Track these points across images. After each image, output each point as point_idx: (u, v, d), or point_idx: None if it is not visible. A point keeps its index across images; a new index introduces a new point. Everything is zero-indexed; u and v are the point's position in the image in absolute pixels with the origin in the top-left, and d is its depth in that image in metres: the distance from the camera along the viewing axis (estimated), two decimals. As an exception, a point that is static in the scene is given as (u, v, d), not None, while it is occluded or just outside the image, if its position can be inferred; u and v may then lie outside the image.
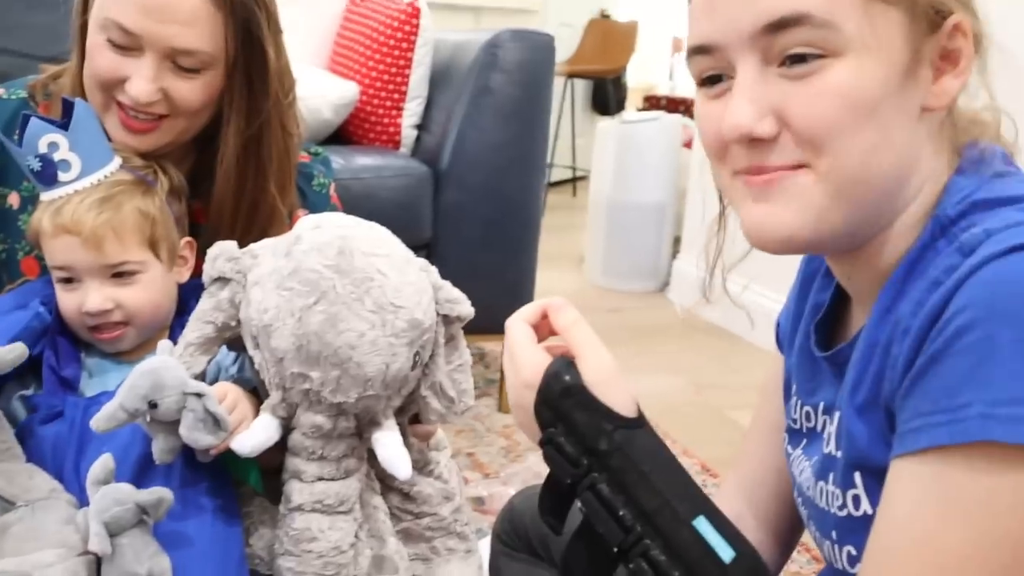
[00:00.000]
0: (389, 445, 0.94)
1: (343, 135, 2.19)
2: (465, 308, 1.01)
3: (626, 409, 0.69)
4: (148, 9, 0.99)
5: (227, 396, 0.95)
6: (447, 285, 1.00)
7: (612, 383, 0.70)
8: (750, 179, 0.67)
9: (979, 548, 0.55)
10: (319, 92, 2.00)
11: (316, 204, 1.23)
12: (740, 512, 0.93)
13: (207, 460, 0.93)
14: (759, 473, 0.92)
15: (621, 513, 0.66)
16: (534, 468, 1.76)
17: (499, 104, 2.00)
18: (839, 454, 0.72)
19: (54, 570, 0.79)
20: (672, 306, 3.22)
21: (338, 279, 0.89)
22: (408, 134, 2.14)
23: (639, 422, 0.69)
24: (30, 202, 1.11)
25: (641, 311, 3.23)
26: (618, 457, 0.67)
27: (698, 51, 0.67)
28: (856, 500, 0.70)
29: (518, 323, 0.76)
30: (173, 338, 1.05)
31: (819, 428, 0.78)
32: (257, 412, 0.95)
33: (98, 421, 0.87)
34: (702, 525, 0.65)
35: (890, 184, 0.65)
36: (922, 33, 0.63)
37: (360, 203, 1.69)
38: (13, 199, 1.12)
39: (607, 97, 5.94)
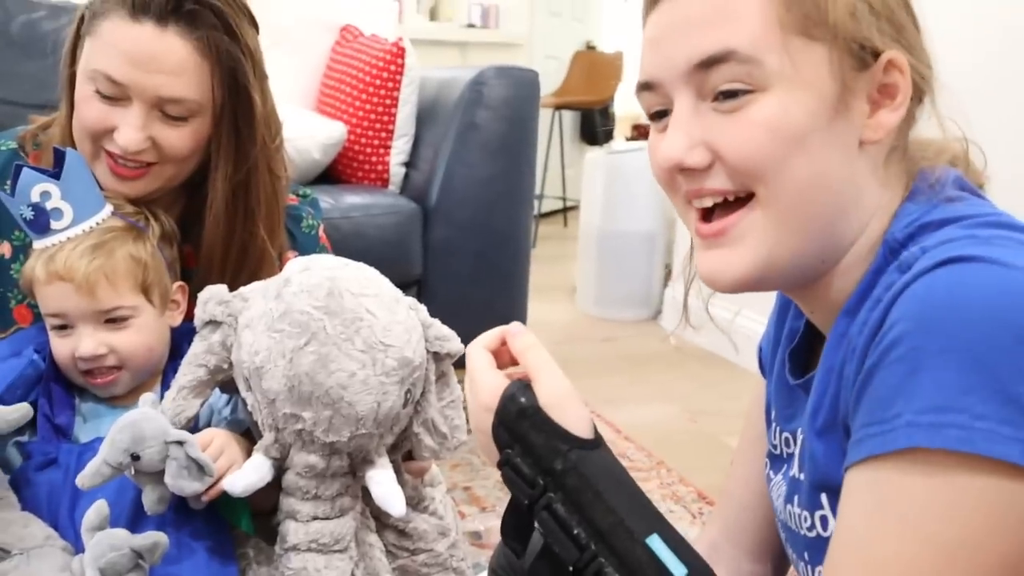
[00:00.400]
0: (383, 483, 0.94)
1: (332, 174, 2.21)
2: (455, 345, 1.02)
3: (581, 430, 0.70)
4: (135, 60, 1.01)
5: (213, 441, 0.95)
6: (436, 323, 1.02)
7: (567, 405, 0.71)
8: (700, 227, 0.70)
9: (919, 553, 0.56)
10: (307, 133, 2.03)
11: (305, 246, 1.25)
12: (716, 540, 0.94)
13: (199, 506, 0.94)
14: (745, 498, 0.93)
15: (576, 532, 0.67)
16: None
17: (485, 140, 2.03)
18: (803, 476, 0.74)
19: (51, 618, 0.80)
20: (665, 334, 3.24)
21: (328, 320, 0.90)
22: (396, 172, 2.16)
23: (595, 443, 0.70)
24: (22, 251, 1.13)
25: (634, 339, 3.23)
26: (573, 476, 0.67)
27: (644, 87, 0.71)
28: (824, 521, 0.71)
29: (477, 349, 0.78)
30: (166, 382, 1.07)
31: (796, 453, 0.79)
32: (250, 454, 0.96)
33: (83, 478, 0.87)
34: (655, 543, 0.66)
35: (831, 215, 0.68)
36: (851, 68, 0.66)
37: (350, 241, 1.71)
38: (5, 248, 1.13)
39: (595, 128, 5.98)
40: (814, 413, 0.70)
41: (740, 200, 0.69)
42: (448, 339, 1.01)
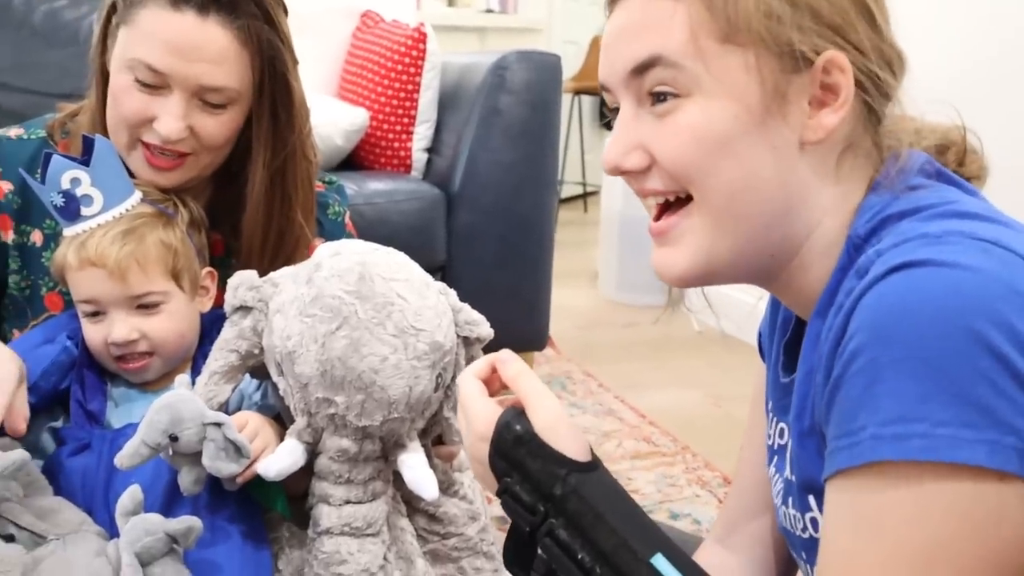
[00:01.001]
0: (415, 467, 0.95)
1: (354, 161, 2.21)
2: (484, 329, 1.02)
3: (578, 453, 0.70)
4: (177, 49, 1.01)
5: (247, 424, 0.96)
6: (466, 307, 1.02)
7: (561, 429, 0.71)
8: (651, 225, 0.72)
9: (893, 564, 0.56)
10: (330, 119, 2.02)
11: (332, 233, 1.25)
12: (721, 539, 0.93)
13: (233, 488, 0.94)
14: (748, 492, 0.92)
15: (580, 556, 0.67)
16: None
17: (508, 125, 2.02)
18: (793, 478, 0.74)
19: (89, 602, 0.80)
20: (688, 319, 3.22)
21: (359, 304, 0.90)
22: (419, 157, 2.16)
23: (592, 465, 0.70)
24: (53, 239, 1.13)
25: (657, 325, 3.22)
26: (573, 500, 0.68)
27: (603, 89, 0.74)
28: (814, 522, 0.71)
29: (469, 378, 0.78)
30: (196, 368, 1.07)
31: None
32: (281, 438, 0.96)
33: (122, 458, 0.88)
34: (659, 562, 0.66)
35: (768, 215, 0.68)
36: (784, 71, 0.65)
37: (374, 227, 1.71)
38: (36, 237, 1.14)
39: (614, 112, 5.96)
40: (798, 415, 0.70)
41: (683, 200, 0.70)
42: (478, 323, 1.02)
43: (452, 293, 1.02)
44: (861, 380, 0.57)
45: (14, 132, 1.17)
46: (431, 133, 2.17)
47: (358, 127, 2.11)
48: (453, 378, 1.00)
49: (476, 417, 0.74)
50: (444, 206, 2.01)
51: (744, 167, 0.66)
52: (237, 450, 0.89)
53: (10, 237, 1.12)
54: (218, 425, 0.88)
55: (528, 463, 0.70)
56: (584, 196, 5.60)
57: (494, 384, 0.79)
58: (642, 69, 0.67)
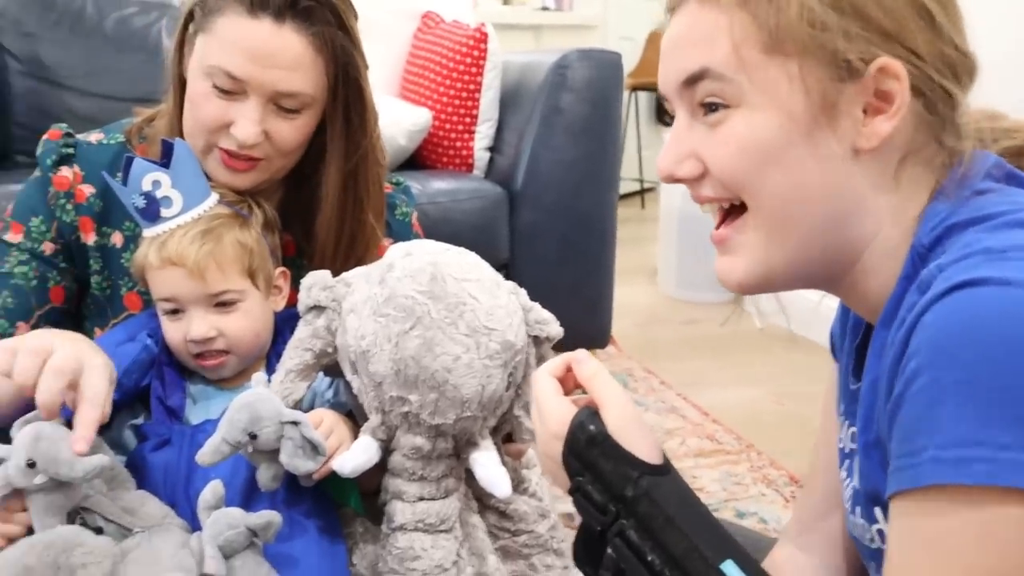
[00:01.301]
0: (487, 464, 0.95)
1: (417, 160, 2.23)
2: (554, 328, 1.02)
3: (651, 456, 0.71)
4: (254, 56, 1.03)
5: (323, 422, 0.98)
6: (536, 306, 1.02)
7: (635, 431, 0.72)
8: (712, 233, 0.73)
9: None
10: (393, 120, 2.04)
11: (399, 233, 1.27)
12: (791, 546, 0.92)
13: (309, 484, 0.96)
14: (820, 492, 0.91)
15: (650, 559, 0.67)
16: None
17: (569, 123, 2.02)
18: (860, 487, 0.73)
19: (178, 593, 0.83)
20: (750, 316, 3.19)
21: (432, 304, 0.91)
22: (481, 156, 2.17)
23: (664, 468, 0.71)
24: (132, 241, 1.16)
25: (717, 322, 3.20)
26: (645, 503, 0.68)
27: (662, 97, 0.75)
28: (881, 534, 0.71)
29: (544, 376, 0.79)
30: (270, 367, 1.09)
31: None
32: (354, 436, 0.98)
33: (203, 456, 0.90)
34: (730, 568, 0.66)
35: (822, 225, 0.68)
36: (832, 80, 0.65)
37: (437, 227, 1.73)
38: (116, 238, 1.17)
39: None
40: (865, 426, 0.69)
41: (739, 207, 0.70)
42: (548, 323, 1.02)
43: (522, 292, 1.03)
44: (922, 400, 0.56)
45: (94, 137, 1.21)
46: (493, 132, 2.18)
47: (421, 127, 2.13)
48: (524, 377, 1.01)
49: (550, 416, 0.75)
50: (507, 204, 2.02)
51: (792, 177, 0.66)
52: (314, 448, 0.91)
53: (92, 239, 1.16)
54: (295, 424, 0.90)
55: (601, 464, 0.70)
56: (641, 192, 5.57)
57: (568, 383, 0.80)
58: (692, 81, 0.68)
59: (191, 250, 1.01)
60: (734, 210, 0.71)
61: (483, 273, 0.98)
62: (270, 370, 1.07)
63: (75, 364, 0.88)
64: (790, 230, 0.68)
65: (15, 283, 1.12)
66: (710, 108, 0.68)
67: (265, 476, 0.92)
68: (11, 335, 1.10)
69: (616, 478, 0.69)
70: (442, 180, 2.04)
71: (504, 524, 1.10)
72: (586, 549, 0.74)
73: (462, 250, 1.00)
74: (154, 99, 1.28)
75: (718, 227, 0.73)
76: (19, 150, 2.43)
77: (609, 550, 0.70)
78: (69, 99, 2.38)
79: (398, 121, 2.07)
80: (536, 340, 1.02)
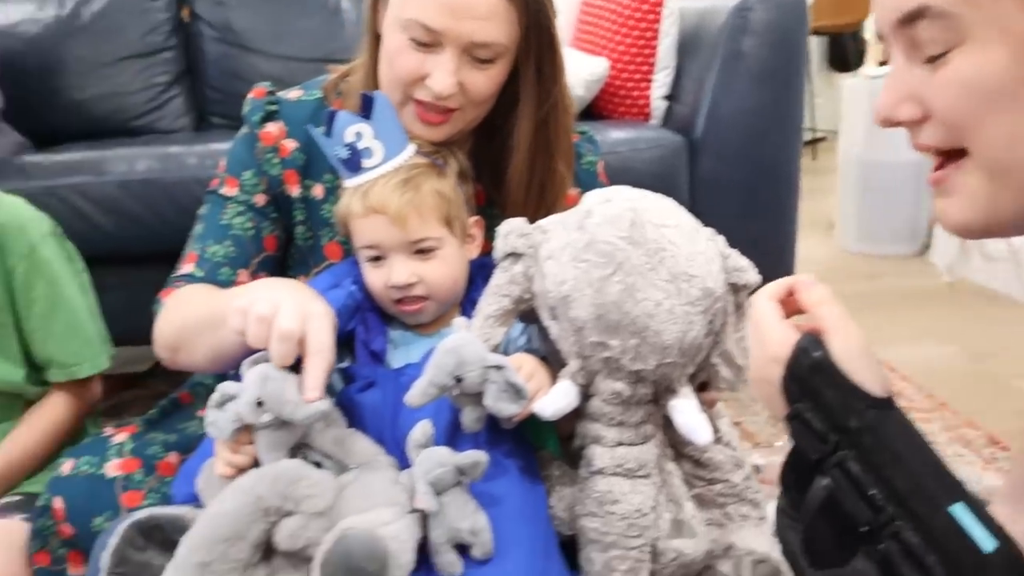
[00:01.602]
0: (687, 411, 0.95)
1: (592, 111, 2.22)
2: (752, 276, 1.00)
3: (877, 388, 0.68)
4: (450, 7, 1.05)
5: (524, 366, 0.99)
6: (734, 254, 1.00)
7: (862, 361, 0.69)
8: (929, 175, 0.69)
9: None
10: (570, 69, 2.02)
11: (586, 183, 1.26)
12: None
13: (510, 427, 0.98)
14: None
15: (871, 493, 0.65)
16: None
17: (752, 68, 1.96)
18: None
19: (394, 527, 0.86)
20: (935, 269, 3.02)
21: (632, 250, 0.91)
22: (658, 105, 2.14)
23: (891, 403, 0.68)
24: (331, 193, 1.21)
25: (901, 276, 3.05)
26: (869, 436, 0.66)
27: (878, 37, 0.71)
28: None
29: (765, 300, 0.77)
30: (463, 313, 1.12)
31: None
32: (551, 381, 0.99)
33: (411, 397, 0.93)
34: (960, 512, 0.63)
35: None
36: None
37: (617, 177, 1.71)
38: (317, 190, 1.22)
39: (846, 52, 5.63)
40: None
41: (958, 152, 0.65)
42: (746, 270, 1.00)
43: (720, 239, 1.01)
44: None
45: (294, 94, 1.26)
46: (670, 80, 2.13)
47: (598, 77, 2.11)
48: (722, 325, 0.99)
49: (771, 339, 0.74)
50: (686, 154, 1.98)
51: (1022, 119, 0.61)
52: (516, 391, 0.92)
53: (296, 191, 1.22)
54: (499, 368, 0.92)
55: (824, 392, 0.69)
56: (813, 143, 5.34)
57: (789, 307, 0.78)
58: (908, 20, 0.64)
59: (393, 198, 1.04)
60: (954, 152, 0.67)
61: (682, 219, 0.96)
62: (464, 316, 1.09)
63: (301, 323, 0.92)
64: (1016, 177, 0.63)
65: (234, 233, 1.19)
66: (929, 47, 0.64)
67: (469, 418, 0.95)
68: (234, 282, 1.18)
69: (839, 408, 0.68)
70: (620, 130, 2.02)
71: (699, 472, 1.09)
72: (796, 475, 0.73)
73: (660, 196, 0.99)
74: (333, 59, 1.33)
75: (936, 169, 0.69)
76: (213, 112, 2.58)
77: (824, 480, 0.69)
78: (256, 62, 2.50)
79: (576, 71, 2.06)
80: (734, 287, 1.00)
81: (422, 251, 1.07)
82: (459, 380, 0.92)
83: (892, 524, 0.64)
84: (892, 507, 0.65)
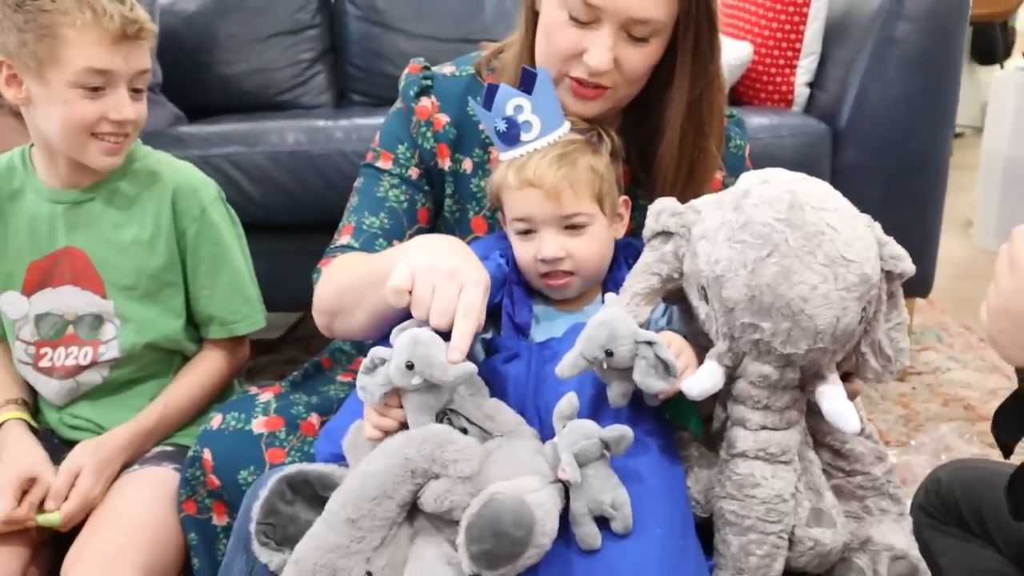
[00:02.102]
0: (835, 399, 0.94)
1: (732, 96, 2.18)
2: (908, 265, 0.98)
3: None
4: None
5: (672, 343, 1.00)
6: (891, 241, 0.98)
7: None
8: None
9: None
10: (714, 54, 2.01)
11: (733, 167, 1.26)
12: None
13: (654, 404, 0.99)
14: None
15: None
16: (945, 439, 1.67)
17: (905, 55, 1.89)
18: None
19: (539, 494, 0.88)
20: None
21: (790, 232, 0.90)
22: (801, 92, 2.09)
23: None
24: (480, 167, 1.24)
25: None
26: None
27: None
28: None
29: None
30: (605, 291, 1.13)
31: None
32: (697, 361, 0.99)
33: (562, 369, 0.95)
34: None
35: None
36: None
37: (758, 163, 1.69)
38: (467, 164, 1.25)
39: (993, 43, 5.36)
40: None
41: None
42: (902, 258, 0.98)
43: (877, 226, 0.99)
44: None
45: (447, 70, 1.29)
46: (815, 67, 2.09)
47: (742, 61, 2.08)
48: (875, 313, 0.97)
49: None
50: (830, 142, 1.94)
51: None
52: (666, 368, 0.93)
53: (447, 164, 1.25)
54: (650, 344, 0.93)
55: None
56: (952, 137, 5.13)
57: None
58: None
59: (548, 173, 1.06)
60: None
61: (840, 203, 0.95)
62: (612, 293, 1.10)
63: (481, 300, 0.96)
64: None
65: (389, 206, 1.23)
66: None
67: (616, 393, 0.96)
68: None
69: None
70: (762, 116, 1.99)
71: (839, 463, 1.07)
72: (1011, 419, 0.70)
73: (817, 180, 0.97)
74: (473, 39, 1.36)
75: None
76: (353, 89, 2.65)
77: None
78: (398, 41, 2.56)
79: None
80: (889, 276, 0.98)
81: (573, 226, 1.09)
82: (609, 354, 0.93)
83: None
84: None
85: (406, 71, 1.28)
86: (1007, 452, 0.69)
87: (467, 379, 0.96)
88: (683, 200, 1.03)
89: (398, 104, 1.28)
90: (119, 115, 1.26)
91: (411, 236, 1.23)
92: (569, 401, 0.94)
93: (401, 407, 0.97)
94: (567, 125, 1.11)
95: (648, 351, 0.92)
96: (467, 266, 0.97)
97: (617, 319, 0.94)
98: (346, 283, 1.14)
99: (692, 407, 0.99)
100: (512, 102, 1.08)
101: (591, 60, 1.08)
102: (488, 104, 1.09)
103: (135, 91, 1.29)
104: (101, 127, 1.27)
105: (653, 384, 0.93)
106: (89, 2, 1.22)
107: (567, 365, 0.94)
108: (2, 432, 1.33)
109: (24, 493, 1.25)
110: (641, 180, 1.23)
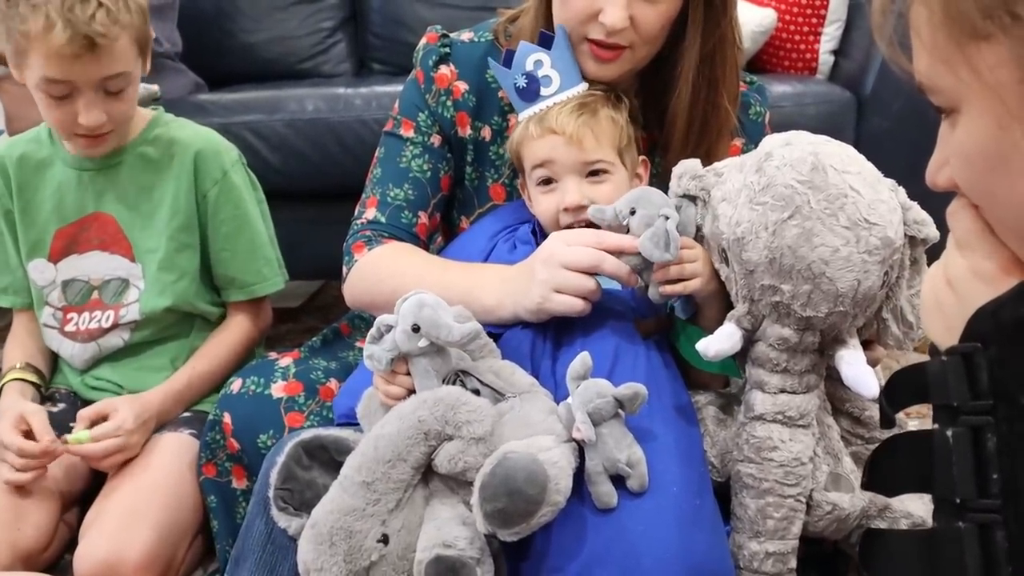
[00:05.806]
0: (855, 363, 0.93)
1: (756, 64, 2.16)
2: (932, 231, 0.97)
3: None
4: None
5: (695, 247, 1.01)
6: (915, 206, 0.97)
7: None
8: None
9: None
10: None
11: (752, 134, 1.24)
12: None
13: (658, 300, 1.00)
14: None
15: (993, 476, 0.54)
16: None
17: (932, 21, 1.86)
18: None
19: (553, 453, 0.88)
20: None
21: (812, 195, 0.89)
22: (825, 60, 2.07)
23: None
24: (499, 135, 1.23)
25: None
26: None
27: None
28: None
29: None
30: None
31: None
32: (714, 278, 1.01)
33: (592, 213, 1.03)
34: None
35: None
36: None
37: (781, 131, 1.67)
38: (486, 132, 1.24)
39: None
40: None
41: None
42: (926, 223, 0.97)
43: (901, 190, 0.98)
44: None
45: (466, 36, 1.27)
46: (840, 34, 2.06)
47: (765, 28, 2.05)
48: (897, 278, 0.96)
49: (993, 253, 0.60)
50: (854, 110, 1.91)
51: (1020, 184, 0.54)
52: (666, 244, 0.96)
53: (467, 132, 1.24)
54: (666, 218, 0.96)
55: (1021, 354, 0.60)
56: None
57: None
58: (921, 91, 0.58)
59: (570, 120, 1.07)
60: None
61: (864, 166, 0.94)
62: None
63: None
64: None
65: (413, 176, 1.23)
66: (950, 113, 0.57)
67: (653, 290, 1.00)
68: (415, 224, 1.21)
69: None
70: (785, 84, 1.96)
71: (857, 430, 1.07)
72: (905, 394, 0.63)
73: (841, 143, 0.96)
74: (492, 6, 1.34)
75: None
76: (373, 58, 2.63)
77: (948, 430, 0.59)
78: (418, 9, 2.53)
79: (743, 22, 1.99)
80: (912, 241, 0.97)
81: (595, 173, 1.09)
82: (632, 212, 0.98)
83: (988, 514, 0.54)
84: (1000, 499, 0.54)
85: (423, 40, 1.27)
86: (890, 423, 0.65)
87: (473, 338, 0.96)
88: (697, 156, 1.03)
89: (414, 74, 1.27)
90: (86, 120, 1.25)
91: (434, 205, 1.23)
92: (582, 361, 0.94)
93: (408, 374, 0.98)
94: (585, 85, 1.11)
95: (661, 223, 0.96)
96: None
97: (655, 191, 1.00)
98: (383, 288, 1.15)
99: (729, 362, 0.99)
100: (532, 57, 1.09)
101: (607, 19, 1.07)
102: (508, 63, 1.10)
103: (112, 93, 1.26)
104: (75, 128, 1.26)
105: (652, 251, 0.95)
106: (45, 11, 1.17)
107: (594, 209, 1.01)
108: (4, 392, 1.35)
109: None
110: (658, 142, 1.22)
